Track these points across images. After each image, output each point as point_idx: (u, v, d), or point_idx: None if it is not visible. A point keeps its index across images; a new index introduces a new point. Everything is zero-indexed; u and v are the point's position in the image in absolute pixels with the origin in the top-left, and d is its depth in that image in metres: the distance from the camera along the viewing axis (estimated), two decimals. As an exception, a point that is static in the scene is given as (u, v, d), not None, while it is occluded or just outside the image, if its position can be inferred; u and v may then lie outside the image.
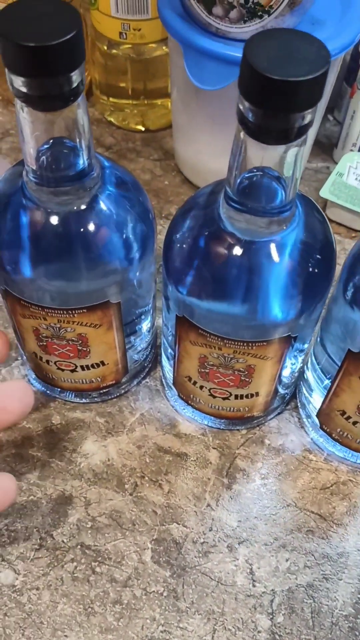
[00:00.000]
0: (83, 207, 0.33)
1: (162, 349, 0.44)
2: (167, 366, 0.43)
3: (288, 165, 0.29)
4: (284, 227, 0.32)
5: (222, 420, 0.44)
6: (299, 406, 0.45)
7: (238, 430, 0.44)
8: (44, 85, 0.27)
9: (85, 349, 0.39)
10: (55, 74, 0.26)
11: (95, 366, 0.41)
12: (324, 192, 0.53)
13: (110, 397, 0.45)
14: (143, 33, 0.52)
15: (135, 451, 0.43)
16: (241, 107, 0.27)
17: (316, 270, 0.34)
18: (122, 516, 0.41)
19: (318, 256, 0.34)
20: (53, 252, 0.34)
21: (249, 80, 0.25)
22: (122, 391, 0.45)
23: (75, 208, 0.33)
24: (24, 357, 0.44)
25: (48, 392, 0.45)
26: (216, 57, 0.43)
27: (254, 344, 0.35)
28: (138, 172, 0.58)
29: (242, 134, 0.28)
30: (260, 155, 0.29)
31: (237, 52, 0.42)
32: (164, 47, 0.55)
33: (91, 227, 0.33)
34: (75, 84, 0.27)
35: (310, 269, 0.33)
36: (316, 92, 0.26)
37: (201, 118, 0.50)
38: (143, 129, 0.61)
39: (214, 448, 0.44)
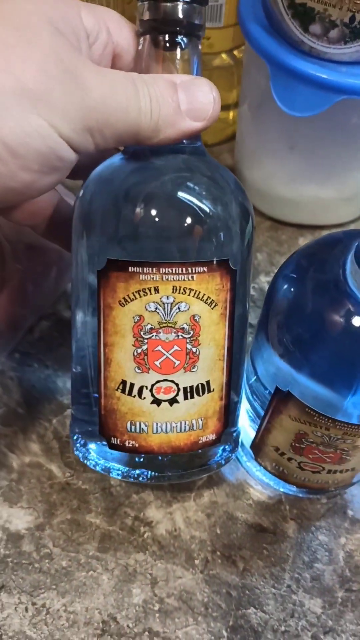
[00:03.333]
0: None
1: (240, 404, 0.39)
2: (246, 426, 0.39)
3: None
4: None
5: (302, 490, 0.39)
6: (384, 472, 0.41)
7: (318, 499, 0.40)
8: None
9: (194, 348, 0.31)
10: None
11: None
12: None
13: None
14: (212, 42, 0.47)
15: (204, 520, 0.39)
16: None
17: None
18: (193, 598, 0.37)
19: None
20: None
21: None
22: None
23: None
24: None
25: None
26: (310, 81, 0.37)
27: (367, 427, 0.30)
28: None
29: None
30: None
31: (334, 77, 0.37)
32: (228, 58, 0.49)
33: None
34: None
35: None
36: None
37: (277, 141, 0.45)
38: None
39: (291, 519, 0.39)
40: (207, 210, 0.29)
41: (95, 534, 0.38)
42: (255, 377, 0.35)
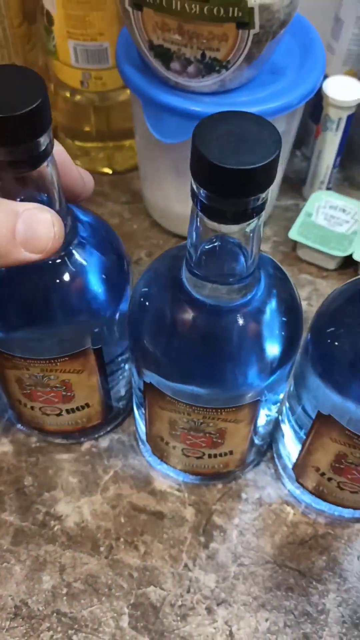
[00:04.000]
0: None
1: (134, 405, 0.43)
2: (140, 423, 0.43)
3: (247, 236, 0.29)
4: (247, 293, 0.31)
5: (198, 477, 0.43)
6: (275, 457, 0.45)
7: (214, 485, 0.44)
8: (12, 152, 0.27)
9: (69, 394, 0.39)
10: (22, 141, 0.26)
11: (80, 409, 0.41)
12: (293, 234, 0.53)
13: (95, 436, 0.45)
14: (105, 81, 0.52)
15: (109, 511, 0.43)
16: (194, 188, 0.26)
17: (283, 334, 0.33)
18: (98, 581, 0.40)
19: (284, 318, 0.34)
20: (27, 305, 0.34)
21: (199, 166, 0.25)
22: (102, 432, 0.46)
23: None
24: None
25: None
26: (176, 112, 0.42)
27: (222, 410, 0.34)
28: (107, 217, 0.58)
29: (198, 212, 0.28)
30: (218, 228, 0.28)
31: (196, 107, 0.42)
32: (127, 92, 0.54)
33: (67, 278, 0.33)
34: (43, 147, 0.27)
35: (278, 333, 0.33)
36: (269, 177, 0.25)
37: (165, 165, 0.50)
38: (110, 171, 0.60)
39: (190, 505, 0.43)
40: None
41: (9, 530, 0.42)
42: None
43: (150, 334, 0.33)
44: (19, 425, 0.46)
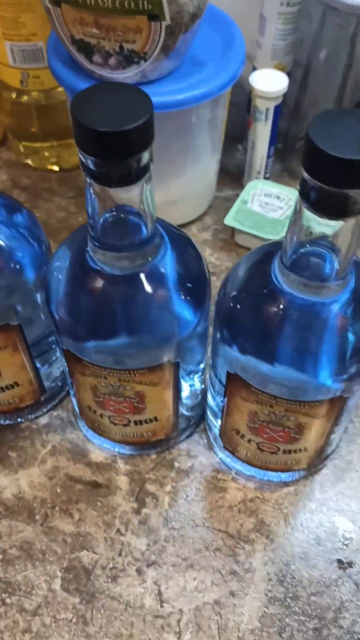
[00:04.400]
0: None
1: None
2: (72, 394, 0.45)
3: (140, 201, 0.31)
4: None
5: (131, 446, 0.45)
6: (207, 429, 0.47)
7: (148, 455, 0.46)
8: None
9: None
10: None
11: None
12: (228, 220, 0.56)
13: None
14: (42, 80, 0.55)
15: (46, 482, 0.45)
16: (81, 157, 0.29)
17: (189, 298, 0.36)
18: (33, 547, 0.42)
19: (189, 284, 0.36)
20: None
21: (81, 135, 0.27)
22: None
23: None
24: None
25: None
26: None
27: (136, 372, 0.36)
28: (54, 211, 0.60)
29: (88, 179, 0.30)
30: (112, 195, 0.31)
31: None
32: (69, 91, 0.57)
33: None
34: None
35: (184, 298, 0.35)
36: (146, 137, 0.28)
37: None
38: (57, 169, 0.63)
39: (124, 474, 0.45)
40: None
41: None
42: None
43: (67, 304, 0.35)
44: None
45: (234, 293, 0.35)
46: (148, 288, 0.34)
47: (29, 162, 0.63)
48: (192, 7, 0.41)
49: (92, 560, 0.42)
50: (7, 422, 0.47)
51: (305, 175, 0.26)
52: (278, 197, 0.57)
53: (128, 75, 0.45)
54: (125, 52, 0.43)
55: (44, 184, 0.63)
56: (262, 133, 0.56)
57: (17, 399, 0.44)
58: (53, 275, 0.36)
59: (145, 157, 0.29)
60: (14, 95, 0.58)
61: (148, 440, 0.44)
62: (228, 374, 0.37)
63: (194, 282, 0.36)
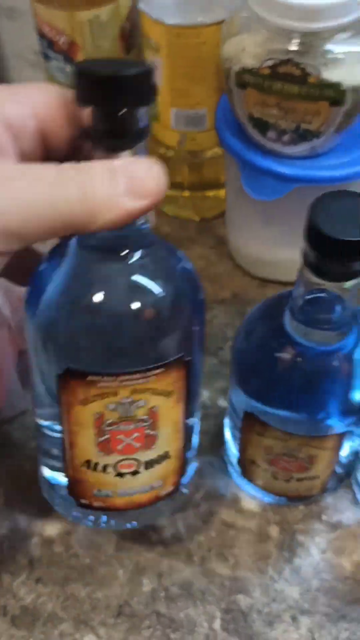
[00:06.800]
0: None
1: (226, 430, 0.48)
2: (232, 447, 0.48)
3: (348, 292, 0.34)
4: (343, 337, 0.37)
5: (282, 498, 0.48)
6: (353, 483, 0.49)
7: (296, 506, 0.49)
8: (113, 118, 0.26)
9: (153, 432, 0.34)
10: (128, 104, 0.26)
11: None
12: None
13: None
14: (198, 142, 0.58)
15: (202, 526, 0.48)
16: (306, 251, 0.32)
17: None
18: (193, 586, 0.45)
19: None
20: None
21: (313, 236, 0.30)
22: None
23: None
24: None
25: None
26: (271, 173, 0.48)
27: (314, 438, 0.39)
28: (195, 259, 0.64)
29: (305, 270, 0.33)
30: (321, 283, 0.34)
31: (289, 170, 0.48)
32: (215, 149, 0.61)
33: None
34: (143, 124, 0.27)
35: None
36: None
37: (254, 216, 0.56)
38: (198, 218, 0.66)
39: (274, 523, 0.48)
40: (165, 319, 0.31)
41: (111, 539, 0.47)
42: (233, 412, 0.44)
43: (257, 371, 0.38)
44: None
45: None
46: (339, 364, 0.37)
47: (165, 210, 0.67)
48: (370, 94, 0.44)
49: (249, 604, 0.45)
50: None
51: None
52: None
53: (298, 150, 0.48)
54: (300, 131, 0.46)
55: (183, 232, 0.66)
56: None
57: (162, 480, 0.38)
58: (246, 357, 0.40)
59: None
60: (163, 151, 0.62)
61: (301, 494, 0.47)
62: None
63: None
